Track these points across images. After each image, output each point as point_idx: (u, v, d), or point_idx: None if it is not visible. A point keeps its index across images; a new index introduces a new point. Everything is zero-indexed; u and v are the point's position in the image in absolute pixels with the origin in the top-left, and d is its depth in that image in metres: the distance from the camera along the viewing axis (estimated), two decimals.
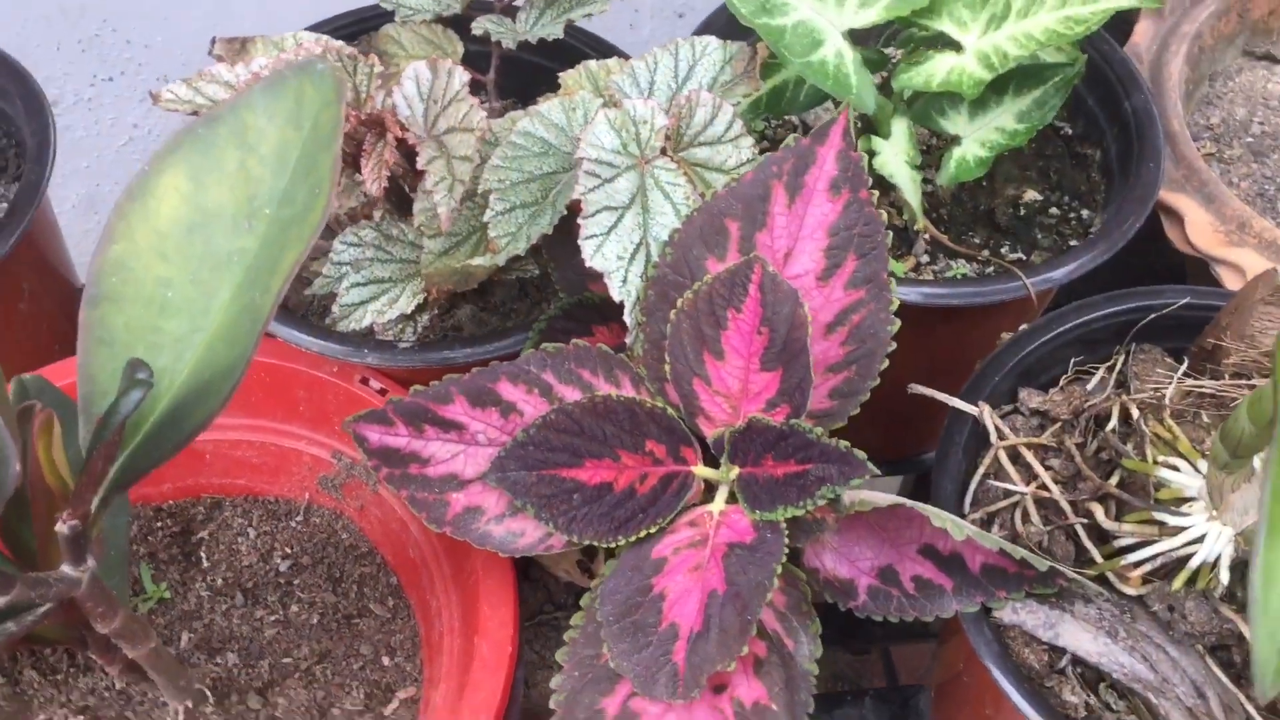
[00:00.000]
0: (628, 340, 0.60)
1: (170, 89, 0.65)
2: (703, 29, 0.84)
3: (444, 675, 0.67)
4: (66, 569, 0.55)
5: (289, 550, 0.77)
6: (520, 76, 0.80)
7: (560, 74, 0.68)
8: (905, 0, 0.69)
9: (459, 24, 0.78)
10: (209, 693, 0.70)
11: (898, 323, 0.58)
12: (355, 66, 0.63)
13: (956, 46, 0.70)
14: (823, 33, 0.69)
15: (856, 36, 0.70)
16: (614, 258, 0.60)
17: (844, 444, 0.53)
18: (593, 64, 0.69)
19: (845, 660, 1.08)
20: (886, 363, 0.57)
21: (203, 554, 0.77)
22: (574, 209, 0.60)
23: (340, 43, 0.69)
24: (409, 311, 0.70)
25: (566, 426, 0.57)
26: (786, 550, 0.53)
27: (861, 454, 0.53)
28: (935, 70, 0.69)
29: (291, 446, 0.76)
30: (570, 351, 0.60)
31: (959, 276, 0.76)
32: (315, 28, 0.84)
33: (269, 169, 0.52)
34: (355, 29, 0.84)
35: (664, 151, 0.62)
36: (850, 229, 0.58)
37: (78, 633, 0.63)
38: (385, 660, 0.73)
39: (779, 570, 0.52)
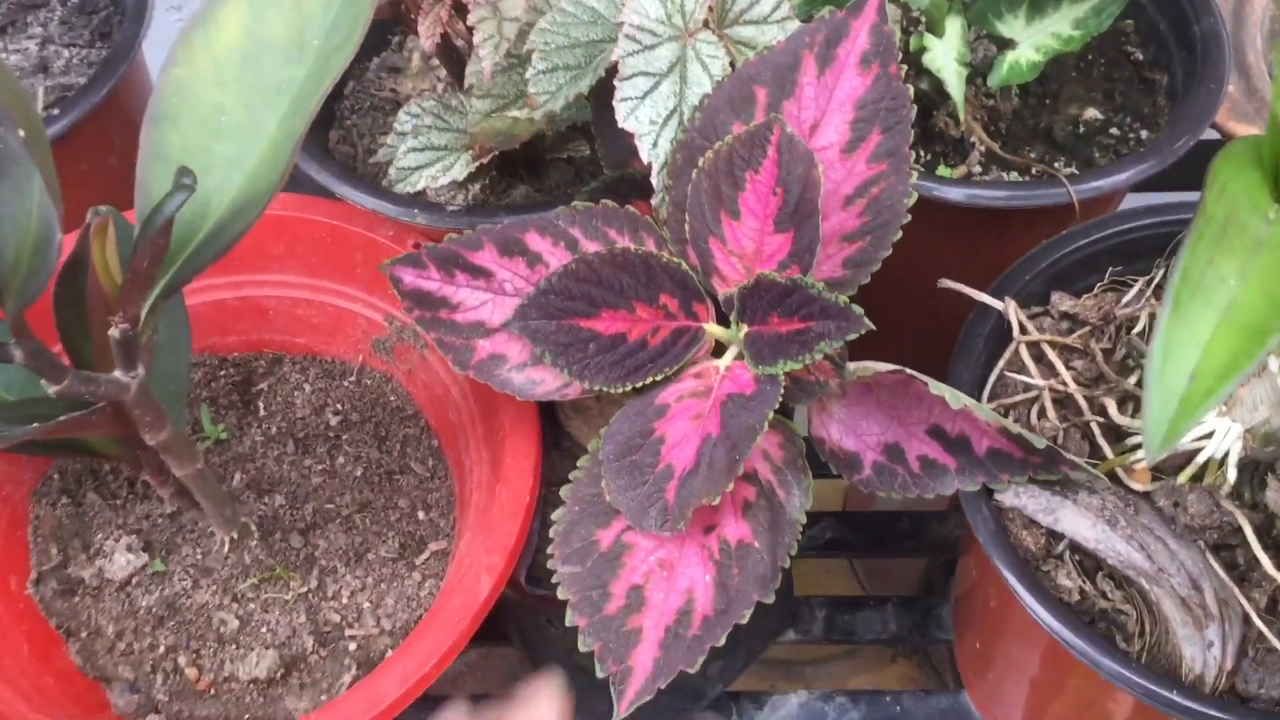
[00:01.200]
0: (653, 202, 0.62)
1: None
2: None
3: (470, 525, 0.71)
4: (118, 374, 0.59)
5: (340, 407, 0.81)
6: None
7: None
8: None
9: None
10: (254, 527, 0.74)
11: (914, 195, 0.59)
12: None
13: None
14: None
15: None
16: (647, 121, 0.62)
17: (843, 299, 0.54)
18: None
19: (886, 573, 1.09)
20: (900, 234, 0.59)
21: (260, 404, 0.81)
22: (613, 73, 0.63)
23: None
24: (461, 179, 0.73)
25: (586, 276, 0.59)
26: (782, 397, 0.55)
27: (859, 309, 0.54)
28: None
29: (348, 308, 0.80)
30: (598, 210, 0.62)
31: None
32: None
33: (319, 3, 0.55)
34: None
35: (706, 24, 0.64)
36: (877, 103, 0.59)
37: (131, 451, 0.68)
38: (421, 515, 0.76)
39: (770, 415, 0.54)
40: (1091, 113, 0.81)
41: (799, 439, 0.59)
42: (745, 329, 0.59)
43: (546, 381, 0.62)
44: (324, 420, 0.80)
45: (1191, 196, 1.01)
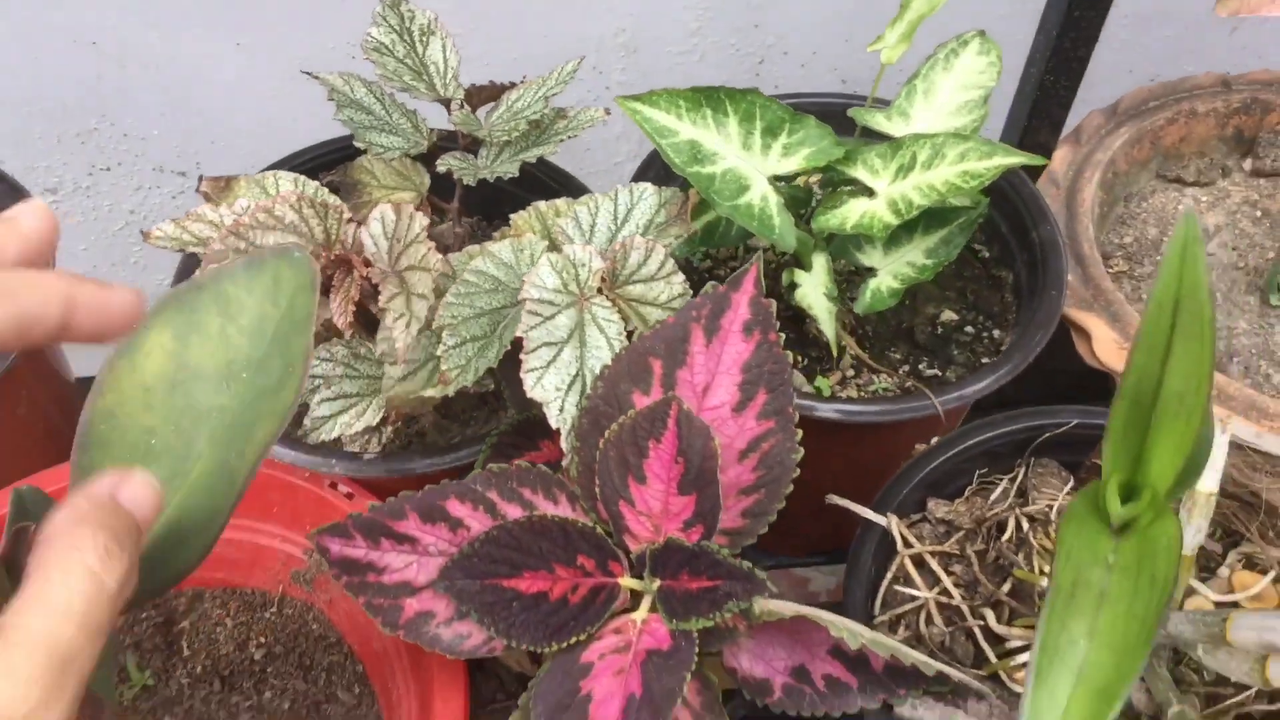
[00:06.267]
0: (564, 463, 0.67)
1: (160, 227, 0.73)
2: (642, 171, 0.92)
3: None
4: None
5: (263, 640, 0.83)
6: (485, 194, 0.88)
7: (512, 215, 0.76)
8: (822, 152, 0.77)
9: (426, 158, 0.86)
10: None
11: (801, 451, 0.65)
12: (326, 213, 0.71)
13: (870, 191, 0.78)
14: (749, 179, 0.77)
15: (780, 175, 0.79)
16: (552, 389, 0.67)
17: (746, 564, 0.60)
18: (542, 205, 0.76)
19: None
20: (791, 487, 0.65)
21: (184, 643, 0.83)
22: (518, 342, 0.68)
23: (315, 186, 0.77)
24: (374, 424, 0.77)
25: (507, 541, 0.64)
26: (697, 657, 0.60)
27: (762, 574, 0.60)
28: (849, 214, 0.77)
29: (267, 544, 0.83)
30: (513, 471, 0.67)
31: (879, 391, 0.84)
32: (294, 157, 0.92)
33: (247, 337, 0.59)
34: (332, 158, 0.92)
35: (600, 290, 0.70)
36: (761, 366, 0.65)
37: None
38: None
39: (688, 678, 0.59)
40: (948, 314, 0.89)
41: (714, 684, 0.64)
42: (658, 582, 0.64)
43: (474, 636, 0.66)
44: (248, 655, 0.83)
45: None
